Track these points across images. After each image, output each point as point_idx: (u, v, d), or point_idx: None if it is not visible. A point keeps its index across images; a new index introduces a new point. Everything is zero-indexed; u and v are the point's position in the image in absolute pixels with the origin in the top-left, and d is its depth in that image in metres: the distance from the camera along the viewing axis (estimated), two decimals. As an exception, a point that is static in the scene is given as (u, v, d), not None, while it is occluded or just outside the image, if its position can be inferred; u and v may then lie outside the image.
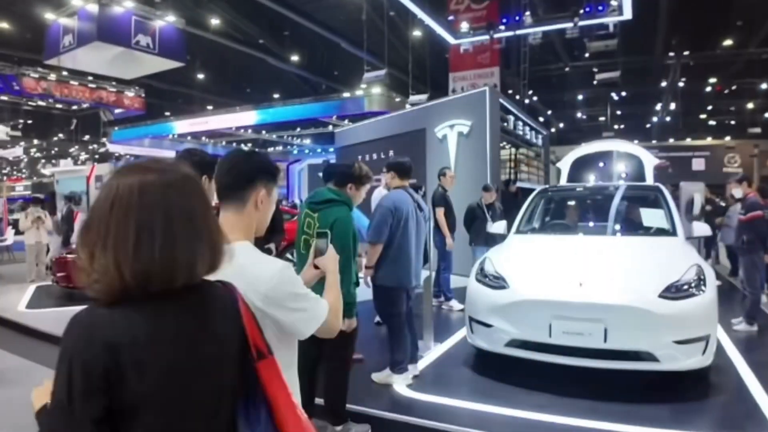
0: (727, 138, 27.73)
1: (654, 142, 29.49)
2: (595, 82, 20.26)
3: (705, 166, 26.21)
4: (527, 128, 14.10)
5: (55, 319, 7.78)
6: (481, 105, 10.59)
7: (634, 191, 7.42)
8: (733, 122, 28.94)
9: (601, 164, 9.95)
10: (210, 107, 30.64)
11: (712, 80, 24.64)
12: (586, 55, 24.96)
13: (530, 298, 4.77)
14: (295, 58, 26.97)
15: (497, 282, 5.12)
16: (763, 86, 23.69)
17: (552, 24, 18.75)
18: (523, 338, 4.75)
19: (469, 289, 5.45)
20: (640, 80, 22.19)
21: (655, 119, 30.62)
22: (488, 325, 4.96)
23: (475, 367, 5.40)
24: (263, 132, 32.20)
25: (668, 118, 28.47)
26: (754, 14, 19.79)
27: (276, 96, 30.92)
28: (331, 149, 36.87)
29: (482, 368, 5.31)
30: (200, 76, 28.02)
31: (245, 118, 27.16)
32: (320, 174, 4.81)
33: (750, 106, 26.55)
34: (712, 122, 28.95)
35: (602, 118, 30.40)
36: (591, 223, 7.19)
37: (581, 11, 17.84)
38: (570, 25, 18.21)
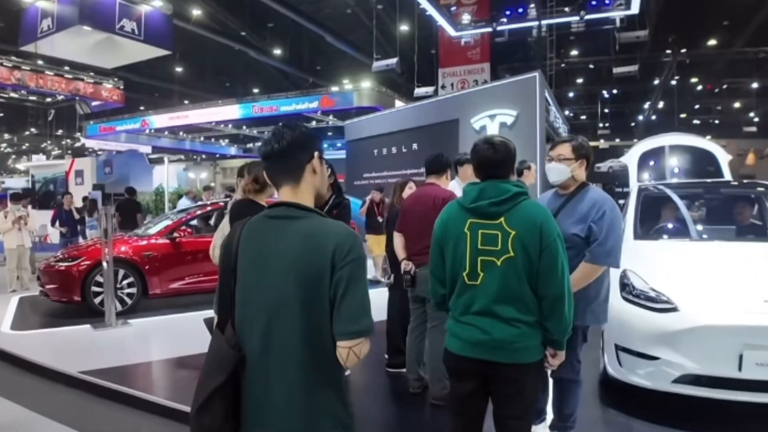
0: (708, 137, 26.93)
1: (635, 140, 28.72)
2: (601, 76, 19.11)
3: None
4: (560, 121, 12.82)
5: (48, 343, 6.15)
6: (529, 92, 9.23)
7: (739, 189, 6.48)
8: (717, 121, 28.45)
9: (651, 162, 8.92)
10: (186, 102, 28.69)
11: (704, 79, 23.99)
12: (575, 52, 24.14)
13: (714, 323, 3.66)
14: (277, 51, 25.26)
15: (659, 303, 3.93)
16: (753, 86, 23.12)
17: (558, 17, 17.60)
18: (703, 373, 3.67)
19: (612, 311, 4.06)
20: (631, 78, 21.27)
21: (641, 118, 29.97)
22: (652, 358, 3.84)
23: (614, 404, 4.26)
24: (244, 127, 30.33)
25: (654, 117, 27.80)
26: (740, 14, 19.17)
27: (256, 91, 29.18)
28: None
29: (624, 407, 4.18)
30: (178, 69, 26.07)
31: (227, 112, 25.30)
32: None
33: (737, 105, 26.06)
34: (696, 121, 28.42)
35: (583, 117, 29.59)
36: (699, 226, 5.91)
37: (587, 4, 16.83)
38: (576, 18, 17.12)
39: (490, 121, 9.75)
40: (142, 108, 29.33)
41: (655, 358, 3.82)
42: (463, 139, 10.24)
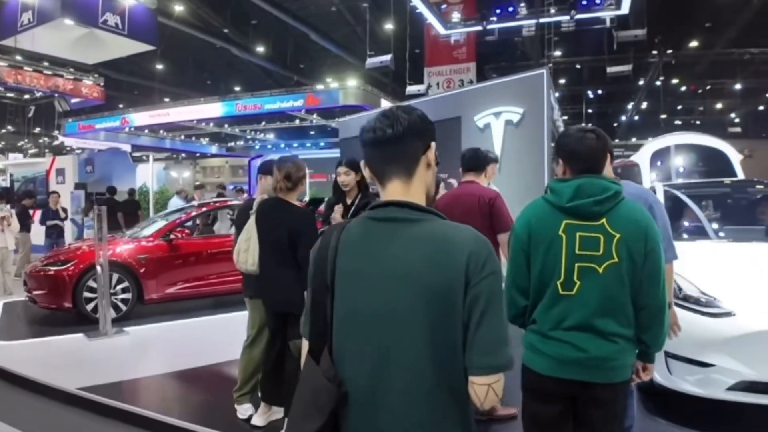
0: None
1: (617, 141, 28.89)
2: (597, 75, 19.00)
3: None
4: (560, 120, 12.55)
5: (40, 355, 5.70)
6: (536, 90, 8.86)
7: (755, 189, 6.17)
8: (698, 122, 28.64)
9: (659, 162, 8.75)
10: (167, 99, 28.00)
11: (688, 80, 24.07)
12: (558, 53, 24.01)
13: (773, 328, 3.50)
14: (260, 49, 24.71)
15: (713, 307, 3.75)
16: (737, 87, 23.26)
17: (549, 17, 17.37)
18: (760, 379, 3.49)
19: None
20: (617, 78, 21.24)
21: (623, 118, 30.04)
22: (706, 365, 3.63)
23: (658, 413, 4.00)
24: (226, 126, 29.71)
25: (636, 117, 27.89)
26: (723, 16, 19.23)
27: (237, 89, 28.59)
28: (296, 144, 34.92)
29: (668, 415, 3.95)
30: (159, 66, 25.37)
31: (210, 110, 24.72)
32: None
33: (719, 106, 26.24)
34: (677, 122, 28.54)
35: (565, 117, 29.51)
36: (728, 227, 5.71)
37: (578, 4, 16.64)
38: (566, 18, 16.91)
39: (495, 119, 9.39)
40: (121, 106, 28.56)
41: (710, 365, 3.61)
42: (465, 137, 9.88)
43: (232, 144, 34.54)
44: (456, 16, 18.17)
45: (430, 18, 17.69)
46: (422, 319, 1.31)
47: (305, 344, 1.53)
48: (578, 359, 2.09)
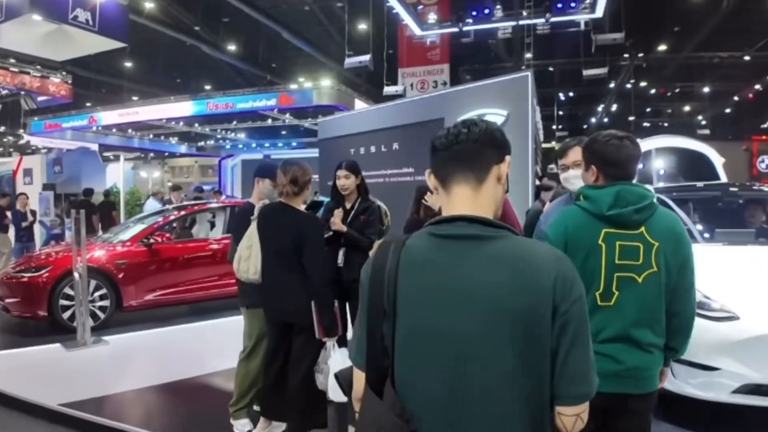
0: (656, 140, 27.63)
1: None
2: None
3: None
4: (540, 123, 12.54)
5: (15, 367, 5.39)
6: (521, 92, 8.80)
7: (754, 192, 6.35)
8: (666, 124, 29.12)
9: (640, 165, 8.74)
10: (135, 98, 27.34)
11: (657, 82, 24.42)
12: (529, 55, 24.15)
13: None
14: (231, 47, 24.28)
15: (716, 311, 3.77)
16: (705, 90, 23.71)
17: (524, 19, 17.43)
18: (765, 382, 3.53)
19: None
20: (590, 81, 21.45)
21: (593, 120, 30.37)
22: (711, 369, 3.66)
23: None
24: (196, 125, 29.14)
25: (606, 119, 28.25)
26: (692, 20, 19.58)
27: (208, 87, 28.07)
28: (267, 144, 34.46)
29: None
30: (128, 64, 24.73)
31: (180, 108, 24.22)
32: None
33: (687, 108, 26.73)
34: (646, 124, 29.00)
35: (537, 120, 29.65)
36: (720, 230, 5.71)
37: (553, 7, 16.71)
38: (542, 21, 16.98)
39: (479, 121, 9.31)
40: (89, 104, 27.78)
41: (715, 369, 3.63)
42: (448, 139, 9.79)
43: (202, 143, 33.88)
44: (432, 18, 18.08)
45: (407, 19, 17.57)
46: (505, 345, 1.20)
47: (358, 375, 1.39)
48: (616, 372, 2.05)
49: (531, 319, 1.19)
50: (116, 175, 19.70)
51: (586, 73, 17.62)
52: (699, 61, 21.04)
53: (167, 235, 7.42)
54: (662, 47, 21.80)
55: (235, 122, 29.68)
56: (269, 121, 28.84)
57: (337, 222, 4.04)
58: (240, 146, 34.47)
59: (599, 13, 16.39)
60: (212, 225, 8.70)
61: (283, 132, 33.55)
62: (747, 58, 19.62)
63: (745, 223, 5.72)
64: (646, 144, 8.56)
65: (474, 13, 17.73)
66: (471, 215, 1.29)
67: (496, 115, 9.08)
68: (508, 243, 1.26)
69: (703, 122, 26.08)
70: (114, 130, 27.94)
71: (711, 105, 25.18)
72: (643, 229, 2.06)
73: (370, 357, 1.34)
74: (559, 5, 16.85)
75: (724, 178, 7.80)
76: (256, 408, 3.86)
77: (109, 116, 24.96)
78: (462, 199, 1.33)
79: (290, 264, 3.26)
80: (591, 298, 2.03)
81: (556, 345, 1.21)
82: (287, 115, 28.05)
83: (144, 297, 6.89)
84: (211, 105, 24.25)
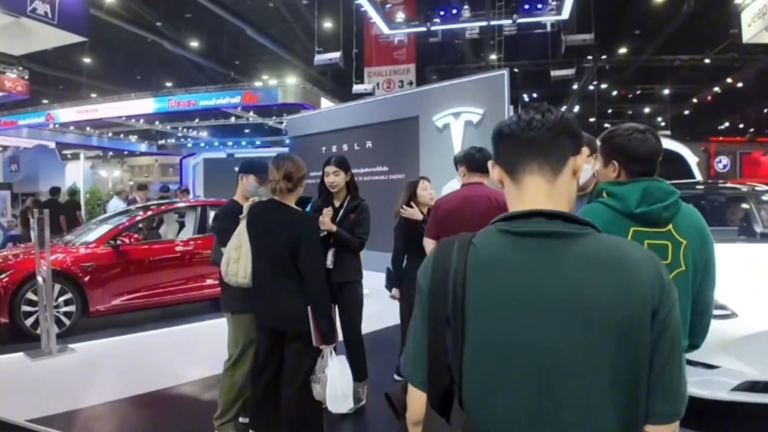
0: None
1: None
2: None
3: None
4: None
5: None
6: (497, 90, 8.69)
7: (727, 191, 6.34)
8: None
9: None
10: (94, 95, 26.42)
11: (618, 84, 24.80)
12: (493, 57, 24.26)
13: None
14: (194, 43, 23.67)
15: (717, 309, 3.61)
16: (665, 92, 24.17)
17: (492, 20, 17.43)
18: (763, 379, 3.55)
19: None
20: (552, 83, 21.66)
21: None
22: (711, 367, 3.64)
23: None
24: (157, 123, 28.33)
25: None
26: (653, 24, 19.94)
27: (169, 84, 27.34)
28: (230, 143, 33.79)
29: None
30: (87, 60, 23.85)
31: (141, 105, 23.51)
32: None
33: (647, 110, 27.23)
34: (606, 125, 29.29)
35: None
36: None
37: (520, 8, 16.76)
38: (509, 21, 17.02)
39: (455, 119, 9.17)
40: (45, 101, 26.71)
41: (715, 367, 3.60)
42: (423, 137, 9.63)
43: (163, 142, 33.00)
44: (400, 16, 17.94)
45: (375, 17, 17.36)
46: (603, 359, 1.03)
47: (417, 395, 1.19)
48: None
49: (632, 328, 1.03)
50: (76, 173, 18.93)
51: (554, 74, 17.73)
52: (660, 64, 21.43)
53: (135, 236, 7.04)
54: (623, 50, 22.14)
55: (197, 120, 29.01)
56: (232, 119, 28.30)
57: (326, 221, 3.82)
58: (202, 145, 33.74)
59: (565, 15, 16.51)
60: (181, 225, 8.35)
61: (246, 130, 32.98)
62: (707, 61, 20.07)
63: (727, 221, 5.75)
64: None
65: (442, 12, 17.66)
66: (551, 210, 1.13)
67: (472, 114, 9.00)
68: (598, 241, 1.10)
69: (663, 123, 26.60)
70: (72, 128, 26.92)
71: (670, 107, 25.70)
72: (671, 226, 1.96)
73: (432, 374, 1.15)
74: (526, 6, 16.91)
75: (699, 177, 7.85)
76: (243, 420, 3.62)
77: (67, 113, 24.04)
78: (537, 192, 1.17)
79: (284, 267, 3.02)
80: None
81: (652, 356, 1.06)
82: (251, 113, 27.55)
83: (112, 301, 6.51)
84: (173, 102, 23.62)
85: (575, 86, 23.32)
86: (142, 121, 27.26)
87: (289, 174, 3.09)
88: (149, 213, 7.68)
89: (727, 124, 25.93)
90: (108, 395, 4.48)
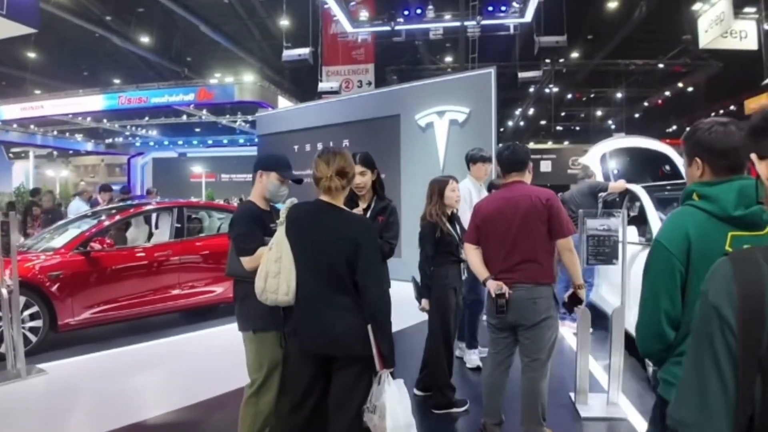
0: (566, 143, 28.72)
1: (500, 144, 29.58)
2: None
3: (551, 168, 26.63)
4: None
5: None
6: (483, 89, 8.37)
7: None
8: (578, 128, 30.08)
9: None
10: (39, 91, 24.87)
11: (573, 88, 25.11)
12: (449, 59, 24.12)
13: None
14: (144, 39, 22.56)
15: None
16: (618, 95, 24.61)
17: (455, 21, 17.23)
18: None
19: None
20: (507, 86, 21.70)
21: (510, 123, 30.84)
22: None
23: None
24: (105, 121, 26.92)
25: (522, 123, 28.74)
26: (604, 28, 20.24)
27: (117, 81, 26.03)
28: (180, 141, 32.49)
29: None
30: (31, 55, 22.41)
31: (89, 103, 22.24)
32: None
33: (599, 113, 27.71)
34: (559, 127, 29.79)
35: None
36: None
37: (484, 10, 16.62)
38: (473, 23, 16.84)
39: (439, 118, 8.78)
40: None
41: None
42: (405, 136, 9.20)
43: (110, 141, 31.43)
44: (364, 15, 17.49)
45: (339, 15, 16.90)
46: None
47: None
48: None
49: None
50: (23, 173, 17.62)
51: (522, 75, 17.63)
52: (615, 68, 21.77)
53: (108, 240, 6.31)
54: (577, 54, 22.40)
55: (147, 118, 27.77)
56: (184, 117, 27.22)
57: (355, 226, 3.32)
58: (151, 143, 32.35)
59: (528, 17, 16.52)
60: (150, 229, 7.63)
61: (197, 129, 31.82)
62: (661, 65, 20.48)
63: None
64: (610, 144, 8.36)
65: (406, 12, 17.35)
66: None
67: (457, 113, 8.64)
68: None
69: (613, 126, 27.15)
70: (15, 126, 25.24)
71: (622, 110, 26.22)
72: None
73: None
74: (490, 8, 16.79)
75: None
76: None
77: (10, 110, 22.65)
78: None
79: (339, 280, 2.51)
80: None
81: None
82: (204, 112, 26.56)
83: (83, 314, 5.76)
84: (124, 99, 22.54)
85: (531, 89, 23.46)
86: (89, 119, 25.86)
87: (342, 170, 2.59)
88: (119, 216, 6.91)
89: (674, 127, 26.65)
90: (87, 425, 3.83)
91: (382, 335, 2.53)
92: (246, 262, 3.02)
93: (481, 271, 3.42)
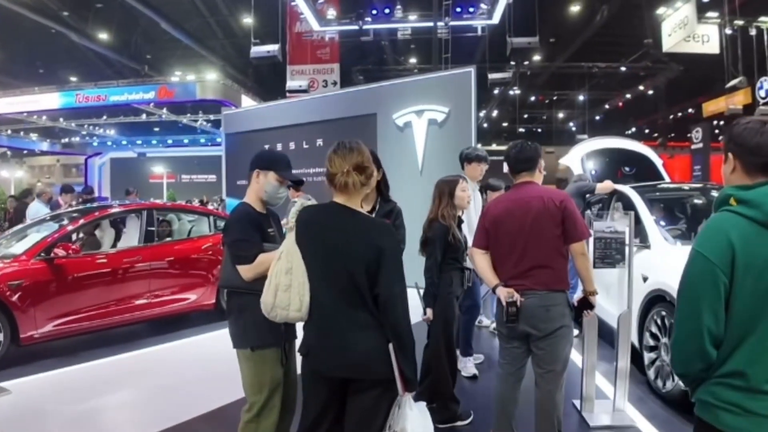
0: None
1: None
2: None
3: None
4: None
5: None
6: (463, 88, 8.17)
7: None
8: (539, 130, 30.34)
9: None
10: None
11: (537, 90, 25.32)
12: (413, 60, 24.00)
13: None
14: (102, 36, 21.73)
15: None
16: (580, 98, 24.90)
17: (423, 21, 17.07)
18: None
19: None
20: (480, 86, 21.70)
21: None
22: None
23: None
24: (61, 119, 25.84)
25: (485, 125, 28.81)
26: (565, 31, 20.44)
27: (74, 79, 25.00)
28: (139, 141, 31.47)
29: None
30: (-17, 51, 21.37)
31: (45, 101, 21.31)
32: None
33: (561, 115, 28.01)
34: (521, 129, 29.98)
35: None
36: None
37: (452, 11, 16.48)
38: (441, 24, 16.69)
39: (417, 118, 8.54)
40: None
41: None
42: (382, 135, 8.94)
43: (67, 140, 30.23)
44: (331, 13, 17.16)
45: (306, 12, 16.53)
46: None
47: None
48: None
49: None
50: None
51: (492, 76, 17.57)
52: (578, 71, 21.99)
53: (73, 246, 5.82)
54: (539, 57, 22.55)
55: (105, 117, 26.79)
56: (144, 116, 26.37)
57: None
58: (109, 143, 31.27)
59: (496, 20, 16.50)
60: (118, 233, 7.13)
61: (156, 129, 30.91)
62: (623, 69, 20.78)
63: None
64: (591, 144, 8.27)
65: (374, 11, 17.09)
66: None
67: (436, 112, 8.43)
68: None
69: (574, 128, 27.51)
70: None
71: (584, 112, 26.57)
72: None
73: None
74: (458, 9, 16.67)
75: (667, 178, 7.68)
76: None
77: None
78: None
79: (357, 294, 2.20)
80: (764, 328, 1.57)
81: None
82: (164, 110, 25.78)
83: (48, 326, 5.28)
84: (81, 97, 21.72)
85: (496, 91, 23.51)
86: (45, 117, 24.77)
87: (360, 164, 2.28)
88: (83, 220, 6.40)
89: (633, 129, 27.17)
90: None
91: (404, 355, 2.25)
92: (245, 271, 2.70)
93: (490, 277, 3.18)
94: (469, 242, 4.31)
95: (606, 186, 6.15)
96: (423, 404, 2.37)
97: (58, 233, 5.82)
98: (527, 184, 3.20)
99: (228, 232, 2.87)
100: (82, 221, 6.26)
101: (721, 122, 22.98)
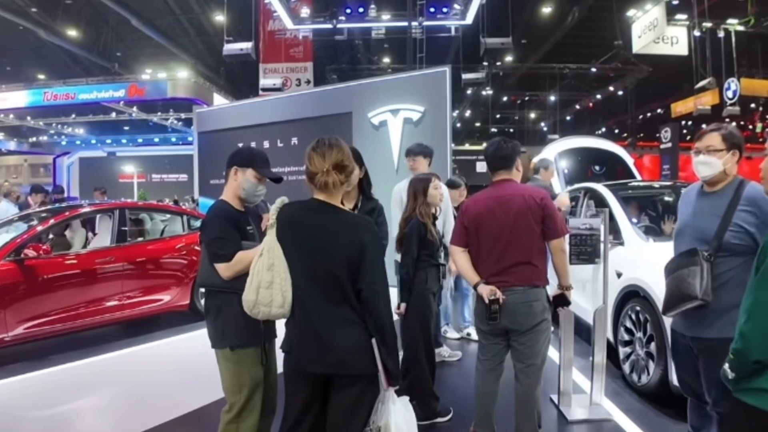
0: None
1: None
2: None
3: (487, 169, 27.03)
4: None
5: None
6: (438, 88, 8.18)
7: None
8: (512, 130, 30.57)
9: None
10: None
11: (509, 91, 25.52)
12: (386, 60, 24.00)
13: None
14: (71, 33, 21.24)
15: None
16: (552, 98, 25.17)
17: (397, 21, 17.09)
18: None
19: None
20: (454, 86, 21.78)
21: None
22: None
23: None
24: (28, 118, 25.22)
25: (458, 125, 28.95)
26: (536, 32, 20.67)
27: (41, 77, 24.42)
28: (109, 140, 30.86)
29: None
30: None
31: (12, 99, 20.82)
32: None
33: (532, 115, 28.28)
34: (493, 129, 30.19)
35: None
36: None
37: (426, 11, 16.53)
38: (415, 23, 16.72)
39: (393, 117, 8.54)
40: None
41: None
42: (357, 134, 8.90)
43: (34, 139, 29.51)
44: (305, 12, 17.07)
45: (280, 10, 16.41)
46: None
47: None
48: None
49: None
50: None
51: (466, 77, 17.63)
52: (549, 71, 22.22)
53: (44, 246, 5.67)
54: (511, 57, 22.75)
55: (74, 116, 26.21)
56: (113, 114, 25.87)
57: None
58: (78, 142, 30.60)
59: (469, 20, 16.59)
60: (89, 233, 6.97)
61: (126, 128, 30.37)
62: (593, 70, 21.05)
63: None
64: (565, 143, 8.38)
65: (348, 10, 17.04)
66: None
67: (411, 111, 8.44)
68: None
69: (546, 128, 27.81)
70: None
71: (555, 112, 26.89)
72: None
73: None
74: (432, 9, 16.72)
75: (638, 176, 7.81)
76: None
77: None
78: None
79: (339, 289, 2.19)
80: None
81: None
82: (134, 109, 25.34)
83: (18, 329, 5.13)
84: (49, 95, 21.23)
85: (469, 91, 23.64)
86: (11, 116, 24.13)
87: (341, 163, 2.27)
88: (53, 220, 6.24)
89: (603, 129, 27.56)
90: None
91: (387, 350, 2.25)
92: (223, 269, 2.66)
93: (470, 275, 3.19)
94: (445, 239, 4.32)
95: (563, 201, 5.91)
96: (406, 399, 2.37)
97: (27, 234, 5.67)
98: (506, 182, 3.21)
99: (205, 230, 2.81)
100: (52, 221, 6.10)
101: (689, 122, 23.51)
